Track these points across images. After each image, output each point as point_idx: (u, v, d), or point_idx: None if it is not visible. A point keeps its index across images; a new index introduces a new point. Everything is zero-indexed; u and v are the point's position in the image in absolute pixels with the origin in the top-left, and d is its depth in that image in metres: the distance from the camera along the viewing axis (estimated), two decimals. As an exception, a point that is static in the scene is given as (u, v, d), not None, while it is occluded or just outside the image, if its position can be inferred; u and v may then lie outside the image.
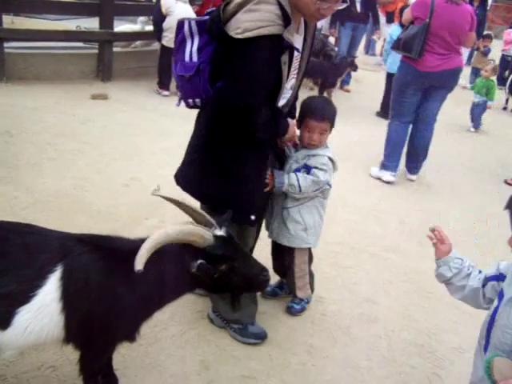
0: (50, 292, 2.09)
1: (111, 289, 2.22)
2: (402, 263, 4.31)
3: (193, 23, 2.70)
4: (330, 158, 3.15)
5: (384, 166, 6.03)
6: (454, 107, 9.15)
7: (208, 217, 2.38)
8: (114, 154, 5.69)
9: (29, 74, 7.96)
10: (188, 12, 7.90)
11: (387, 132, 6.09)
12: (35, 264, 2.11)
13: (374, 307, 3.66)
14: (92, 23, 9.66)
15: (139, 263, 2.00)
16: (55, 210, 4.36)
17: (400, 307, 3.71)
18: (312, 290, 3.49)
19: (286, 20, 2.49)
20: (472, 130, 8.77)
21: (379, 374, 3.05)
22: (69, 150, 5.62)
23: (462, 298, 2.35)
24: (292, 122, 2.99)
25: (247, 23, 2.44)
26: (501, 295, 2.05)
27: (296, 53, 2.70)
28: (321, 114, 3.11)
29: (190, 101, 2.88)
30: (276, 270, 3.58)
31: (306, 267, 3.37)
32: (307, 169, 3.12)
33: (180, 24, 2.73)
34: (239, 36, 2.44)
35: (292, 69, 2.73)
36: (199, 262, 2.20)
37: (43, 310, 2.09)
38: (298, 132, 3.12)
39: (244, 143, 2.75)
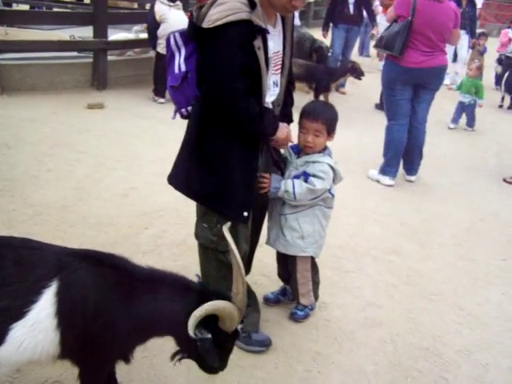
0: (44, 308, 2.06)
1: (108, 307, 2.18)
2: (404, 265, 4.29)
3: (177, 36, 2.82)
4: (331, 166, 3.13)
5: (384, 172, 6.01)
6: (449, 106, 9.14)
7: (246, 299, 2.35)
8: (112, 164, 5.68)
9: (24, 85, 7.95)
10: (181, 18, 7.88)
11: (386, 136, 6.04)
12: (29, 279, 2.07)
13: (378, 311, 3.65)
14: (86, 32, 9.65)
15: (191, 329, 2.10)
16: (54, 222, 4.34)
17: (404, 310, 3.69)
18: (316, 297, 3.47)
19: (253, 6, 2.56)
20: (451, 126, 8.73)
21: (386, 379, 3.03)
22: (66, 161, 5.60)
23: None
24: (284, 125, 2.93)
25: (216, 15, 2.54)
26: None
27: (275, 48, 2.78)
28: (314, 114, 3.11)
29: (184, 110, 2.90)
30: (280, 275, 3.58)
31: (309, 274, 3.35)
32: (306, 176, 3.10)
33: (167, 40, 2.84)
34: (210, 25, 2.54)
35: (272, 64, 2.77)
36: (208, 336, 2.23)
37: (38, 326, 2.05)
38: (294, 138, 3.07)
39: (233, 139, 2.77)
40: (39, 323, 2.05)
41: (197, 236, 3.03)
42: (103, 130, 6.74)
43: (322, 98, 8.59)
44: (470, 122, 8.76)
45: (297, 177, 3.12)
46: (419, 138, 6.01)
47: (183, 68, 2.77)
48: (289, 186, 3.06)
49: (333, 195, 3.23)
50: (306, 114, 3.14)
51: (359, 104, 9.62)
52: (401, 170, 6.18)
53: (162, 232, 4.32)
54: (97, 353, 2.24)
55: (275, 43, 2.81)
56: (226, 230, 2.37)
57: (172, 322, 2.30)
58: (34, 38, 8.85)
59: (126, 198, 4.93)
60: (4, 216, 4.33)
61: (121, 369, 2.81)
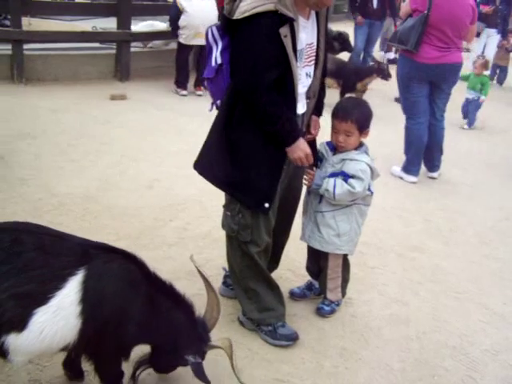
0: (69, 294, 2.07)
1: (132, 303, 2.25)
2: (429, 263, 4.27)
3: (214, 30, 2.89)
4: (368, 165, 3.10)
5: (406, 170, 5.96)
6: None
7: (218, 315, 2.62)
8: (135, 155, 5.69)
9: (47, 76, 8.00)
10: (205, 8, 7.80)
11: (405, 135, 5.97)
12: (54, 265, 2.09)
13: (404, 308, 3.63)
14: (107, 23, 9.68)
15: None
16: (79, 213, 4.36)
17: (429, 308, 3.67)
18: (343, 294, 3.46)
19: None
20: (466, 127, 8.50)
21: (412, 376, 3.02)
22: (90, 152, 5.63)
23: None
24: (303, 146, 2.84)
25: (245, 7, 2.60)
26: None
27: (308, 39, 2.80)
28: (343, 114, 3.08)
29: (219, 102, 2.95)
30: (309, 269, 3.58)
31: (340, 270, 3.34)
32: (345, 176, 3.08)
33: (206, 33, 2.89)
34: (238, 17, 2.60)
35: (305, 55, 2.80)
36: (199, 361, 2.47)
37: (60, 312, 2.06)
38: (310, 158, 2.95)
39: (260, 129, 2.78)
40: (62, 310, 2.06)
41: (222, 224, 3.09)
42: (126, 122, 6.76)
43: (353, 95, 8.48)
44: (471, 120, 8.50)
45: (334, 175, 3.10)
46: (437, 135, 5.92)
47: (219, 60, 2.81)
48: (330, 185, 3.05)
49: (372, 192, 3.22)
50: (335, 113, 3.12)
51: (379, 99, 9.52)
52: (423, 166, 6.12)
53: (187, 224, 4.33)
54: (113, 344, 2.29)
55: (308, 35, 2.83)
56: (192, 259, 2.59)
57: (177, 343, 2.45)
58: (56, 29, 8.86)
59: (150, 189, 4.94)
60: (29, 205, 4.36)
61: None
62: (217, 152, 2.90)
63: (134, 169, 5.37)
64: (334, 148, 3.20)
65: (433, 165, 6.08)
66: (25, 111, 6.60)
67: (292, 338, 3.14)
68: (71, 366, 2.63)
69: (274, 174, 2.89)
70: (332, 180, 3.06)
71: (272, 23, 2.58)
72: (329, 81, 7.85)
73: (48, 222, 3.89)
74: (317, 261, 3.44)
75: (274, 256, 3.35)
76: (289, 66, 2.67)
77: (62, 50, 8.45)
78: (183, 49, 8.22)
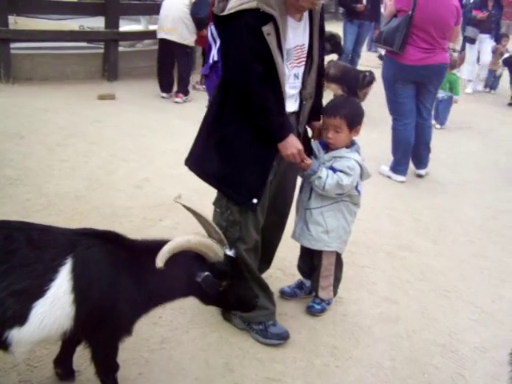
0: (62, 284, 2.15)
1: (119, 281, 2.30)
2: (418, 262, 4.29)
3: (213, 28, 2.90)
4: (358, 163, 3.13)
5: (394, 170, 5.99)
6: (461, 105, 9.11)
7: (220, 233, 2.55)
8: (125, 155, 5.68)
9: (35, 75, 7.96)
10: (173, 2, 7.71)
11: (392, 135, 5.99)
12: (45, 258, 2.15)
13: (394, 307, 3.65)
14: (94, 22, 9.65)
15: (160, 261, 2.19)
16: (69, 212, 4.34)
17: (419, 306, 3.69)
18: (335, 293, 3.47)
19: None
20: (438, 127, 8.31)
21: (403, 374, 3.04)
22: (79, 152, 5.60)
23: None
24: (294, 142, 2.85)
25: (232, 3, 2.65)
26: None
27: (298, 40, 2.82)
28: (332, 110, 3.11)
29: None
30: (300, 268, 3.60)
31: (332, 268, 3.36)
32: (333, 171, 3.11)
33: (207, 32, 2.91)
34: (225, 13, 2.64)
35: (294, 56, 2.82)
36: (206, 273, 2.38)
37: (56, 302, 2.14)
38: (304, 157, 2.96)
39: (250, 125, 2.80)
40: (58, 300, 2.14)
41: (212, 220, 3.06)
42: (115, 122, 6.74)
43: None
44: (442, 119, 8.40)
45: None
46: (425, 133, 5.94)
47: (215, 58, 2.85)
48: (323, 173, 3.06)
49: (359, 192, 3.23)
50: (325, 110, 3.15)
51: (367, 99, 9.58)
52: (412, 165, 6.15)
53: (177, 224, 4.32)
54: (109, 326, 2.33)
55: (298, 36, 2.84)
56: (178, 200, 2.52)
57: (180, 286, 2.46)
58: (43, 28, 8.82)
59: (139, 189, 4.93)
60: (19, 206, 4.34)
61: (139, 361, 2.85)
62: (206, 147, 2.92)
63: (123, 168, 5.35)
64: (326, 147, 3.21)
65: (420, 162, 6.12)
66: (13, 111, 6.55)
67: (283, 337, 3.14)
68: (63, 364, 2.64)
69: (263, 171, 2.90)
70: (325, 170, 3.08)
71: (255, 20, 2.61)
72: (332, 86, 7.75)
73: (37, 222, 3.85)
74: (309, 260, 3.46)
75: (267, 256, 3.36)
76: (274, 63, 2.68)
77: (49, 49, 8.42)
78: (160, 45, 8.10)
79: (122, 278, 2.31)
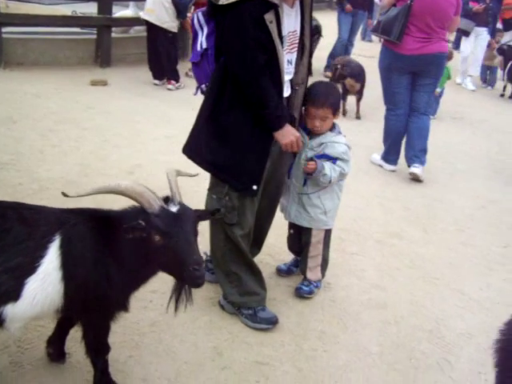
0: (51, 261, 2.19)
1: (104, 256, 2.31)
2: (408, 249, 4.33)
3: (200, 15, 2.95)
4: (347, 145, 3.22)
5: (385, 159, 6.01)
6: (455, 96, 9.17)
7: (176, 193, 2.38)
8: (117, 141, 5.68)
9: (27, 60, 7.94)
10: None
11: (384, 125, 6.00)
12: (36, 235, 2.19)
13: (382, 293, 3.69)
14: (87, 8, 9.60)
15: (73, 192, 2.22)
16: (60, 197, 4.28)
17: (407, 293, 3.73)
18: (323, 275, 3.52)
19: None
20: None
21: (390, 359, 3.08)
22: (71, 137, 5.61)
23: None
24: (292, 131, 2.90)
25: None
26: None
27: (291, 27, 2.84)
28: (319, 100, 3.14)
29: (204, 86, 3.03)
30: (290, 248, 3.67)
31: (321, 247, 3.42)
32: (331, 159, 3.17)
33: (192, 19, 2.95)
34: (224, 2, 2.63)
35: (287, 42, 2.84)
36: (136, 222, 2.18)
37: (47, 278, 2.18)
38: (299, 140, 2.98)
39: (249, 112, 2.82)
40: (48, 275, 2.18)
41: (206, 207, 3.12)
42: (107, 107, 6.73)
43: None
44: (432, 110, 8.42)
45: (317, 157, 3.17)
46: (421, 128, 5.78)
47: (204, 45, 2.87)
48: (327, 169, 3.13)
49: None
50: (311, 100, 3.17)
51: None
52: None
53: (168, 210, 4.33)
54: (98, 303, 2.35)
55: (291, 22, 2.86)
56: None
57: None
58: (36, 13, 8.77)
59: (131, 175, 4.94)
60: (10, 190, 4.34)
61: (130, 344, 2.87)
62: (205, 136, 2.93)
63: (115, 154, 5.36)
64: (309, 131, 3.26)
65: (412, 155, 5.86)
66: (4, 96, 6.53)
67: (272, 322, 3.18)
68: (55, 344, 2.68)
69: (262, 157, 2.94)
70: (328, 165, 3.14)
71: (257, 9, 2.62)
72: (349, 81, 7.67)
73: (28, 206, 3.88)
74: (296, 239, 3.53)
75: (258, 241, 3.39)
76: (275, 51, 2.71)
77: (41, 34, 8.38)
78: (146, 29, 8.08)
79: (104, 253, 2.31)
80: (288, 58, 2.91)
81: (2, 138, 5.31)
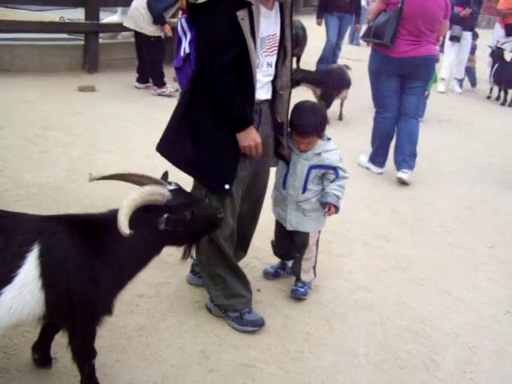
0: (29, 270, 2.16)
1: (87, 262, 2.30)
2: (394, 251, 4.36)
3: (183, 21, 3.01)
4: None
5: (373, 162, 6.05)
6: (441, 98, 9.22)
7: (155, 177, 2.49)
8: (105, 146, 5.69)
9: (14, 66, 7.92)
10: None
11: (373, 127, 6.05)
12: (13, 245, 2.16)
13: (369, 295, 3.71)
14: (75, 14, 9.59)
15: (124, 228, 2.13)
16: (48, 203, 4.35)
17: (394, 294, 3.75)
18: (314, 275, 3.57)
19: None
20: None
21: (376, 359, 3.10)
22: (59, 143, 5.61)
23: None
24: (254, 135, 2.90)
25: None
26: None
27: (270, 30, 2.88)
28: (302, 131, 3.21)
29: None
30: (277, 253, 3.70)
31: (315, 249, 3.50)
32: (327, 168, 3.29)
33: (176, 27, 3.01)
34: (199, 1, 2.67)
35: (266, 45, 2.87)
36: (165, 216, 2.32)
37: (25, 288, 2.15)
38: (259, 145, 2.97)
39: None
40: (26, 285, 2.16)
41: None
42: (95, 113, 6.73)
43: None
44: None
45: (313, 167, 3.28)
46: (410, 132, 5.80)
47: (187, 50, 2.90)
48: (340, 194, 3.32)
49: None
50: (294, 127, 3.23)
51: (350, 92, 9.64)
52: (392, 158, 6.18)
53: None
54: (84, 309, 2.34)
55: (270, 25, 2.90)
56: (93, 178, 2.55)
57: (148, 245, 2.45)
58: (23, 19, 8.75)
59: (118, 180, 4.93)
60: (-3, 196, 4.34)
61: (117, 348, 2.88)
62: (179, 135, 2.96)
63: (103, 159, 5.36)
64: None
65: (402, 160, 5.84)
66: (-8, 102, 6.53)
67: (258, 324, 3.19)
68: (41, 349, 2.67)
69: (234, 157, 2.94)
70: (334, 193, 3.29)
71: (230, 6, 2.65)
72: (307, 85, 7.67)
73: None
74: (285, 244, 3.57)
75: (243, 244, 3.41)
76: (246, 50, 2.72)
77: (29, 40, 8.36)
78: (134, 34, 8.11)
79: (87, 259, 2.30)
80: (268, 61, 2.94)
81: (-12, 144, 5.30)
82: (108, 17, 9.53)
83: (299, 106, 3.28)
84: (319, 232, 3.53)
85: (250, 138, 2.87)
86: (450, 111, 9.29)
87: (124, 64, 8.99)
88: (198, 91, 2.84)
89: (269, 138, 3.15)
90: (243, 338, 3.12)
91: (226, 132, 2.87)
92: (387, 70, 5.62)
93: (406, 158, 5.83)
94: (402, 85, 5.73)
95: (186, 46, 2.91)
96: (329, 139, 3.32)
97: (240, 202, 3.09)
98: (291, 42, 3.04)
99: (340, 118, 8.05)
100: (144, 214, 2.31)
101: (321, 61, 10.03)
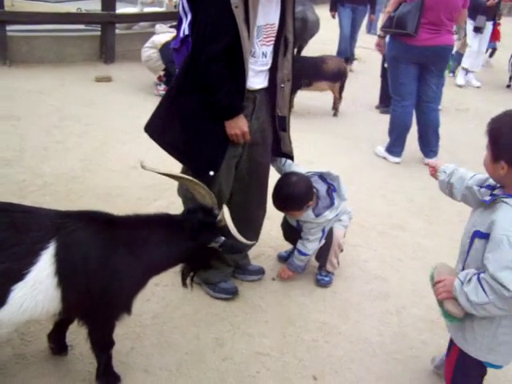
0: (44, 268, 2.12)
1: (109, 262, 2.28)
2: (411, 241, 4.33)
3: (184, 2, 2.97)
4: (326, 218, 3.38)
5: (389, 151, 6.02)
6: (460, 87, 9.11)
7: (209, 190, 2.50)
8: (120, 136, 5.71)
9: (32, 58, 7.95)
10: None
11: (390, 116, 6.05)
12: (26, 241, 2.12)
13: (384, 284, 3.69)
14: (91, 5, 9.62)
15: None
16: (63, 193, 4.38)
17: (409, 284, 3.73)
18: (338, 263, 3.61)
19: None
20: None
21: (391, 348, 3.09)
22: (75, 133, 5.64)
23: (462, 199, 2.60)
24: (242, 122, 2.90)
25: None
26: None
27: (269, 19, 2.85)
28: (280, 207, 3.37)
29: None
30: (288, 239, 3.75)
31: (342, 243, 3.57)
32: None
33: (178, 4, 2.99)
34: None
35: (263, 34, 2.86)
36: (222, 239, 2.43)
37: (38, 286, 2.12)
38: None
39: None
40: (40, 283, 2.12)
41: (178, 192, 3.22)
42: (111, 104, 6.76)
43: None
44: None
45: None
46: (431, 117, 5.91)
47: (186, 32, 2.89)
48: (302, 259, 3.50)
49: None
50: (274, 203, 3.37)
51: (367, 80, 9.59)
52: (409, 147, 6.14)
53: (171, 204, 4.36)
54: (104, 307, 2.34)
55: (269, 14, 2.87)
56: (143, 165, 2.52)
57: (176, 255, 2.49)
58: (40, 10, 8.80)
59: (134, 170, 4.96)
60: (14, 186, 4.37)
61: (131, 335, 2.89)
62: (168, 119, 2.96)
63: (118, 150, 5.39)
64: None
65: (429, 150, 6.02)
66: (9, 93, 6.57)
67: (231, 292, 3.31)
68: (56, 338, 2.69)
69: (221, 143, 2.94)
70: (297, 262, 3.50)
71: None
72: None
73: (32, 202, 3.91)
74: (295, 238, 3.57)
75: (254, 232, 3.39)
76: (238, 38, 2.70)
77: (46, 31, 8.40)
78: None
79: (112, 258, 2.29)
80: (263, 51, 2.92)
81: (6, 134, 5.34)
82: (124, 8, 9.55)
83: (282, 179, 3.35)
84: (345, 230, 3.59)
85: (237, 126, 2.87)
86: (468, 100, 9.19)
87: (140, 54, 8.97)
88: (189, 77, 2.83)
89: (265, 123, 3.14)
90: (258, 326, 3.13)
91: (213, 119, 2.87)
92: (406, 58, 5.60)
93: (433, 148, 6.01)
94: (421, 74, 5.73)
95: (185, 28, 2.90)
96: (321, 213, 3.35)
97: (229, 187, 3.12)
98: (293, 33, 3.02)
99: (335, 113, 7.67)
100: (202, 228, 2.42)
101: (338, 55, 9.80)
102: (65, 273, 2.17)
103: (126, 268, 2.33)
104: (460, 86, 10.20)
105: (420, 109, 5.90)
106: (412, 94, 5.79)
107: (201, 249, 2.47)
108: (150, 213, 2.55)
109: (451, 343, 2.48)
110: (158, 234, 2.42)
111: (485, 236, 2.17)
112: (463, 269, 2.32)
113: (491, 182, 2.39)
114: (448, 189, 2.65)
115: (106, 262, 2.27)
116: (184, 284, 2.67)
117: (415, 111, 5.96)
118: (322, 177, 3.47)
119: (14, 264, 2.08)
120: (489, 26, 10.01)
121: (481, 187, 2.44)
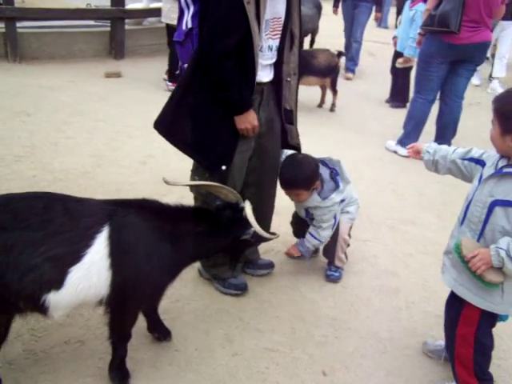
0: (98, 251, 2.21)
1: (155, 249, 2.37)
2: (421, 235, 4.31)
3: None
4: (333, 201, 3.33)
5: (401, 143, 5.99)
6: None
7: (234, 191, 2.62)
8: (130, 132, 5.72)
9: (42, 54, 8.00)
10: None
11: (410, 108, 6.07)
12: (80, 226, 2.22)
13: (394, 279, 3.68)
14: (101, 1, 9.62)
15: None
16: (74, 188, 4.39)
17: (419, 279, 3.71)
18: (346, 258, 3.62)
19: None
20: None
21: (400, 344, 3.07)
22: (85, 129, 5.65)
23: (446, 172, 2.78)
24: (252, 117, 2.91)
25: None
26: (480, 178, 2.47)
27: (276, 13, 2.84)
28: (286, 186, 3.31)
29: (185, 66, 2.98)
30: (296, 233, 3.76)
31: (348, 238, 3.55)
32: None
33: None
34: None
35: (269, 28, 2.84)
36: (252, 230, 2.58)
37: (92, 268, 2.21)
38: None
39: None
40: (94, 265, 2.21)
41: (190, 188, 3.21)
42: (121, 99, 6.77)
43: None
44: None
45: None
46: (455, 112, 5.96)
47: (190, 24, 2.88)
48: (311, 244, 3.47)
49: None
50: (280, 182, 3.33)
51: (377, 76, 9.55)
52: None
53: (181, 198, 4.26)
54: (140, 293, 2.41)
55: (276, 8, 2.86)
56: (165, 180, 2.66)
57: (215, 246, 2.66)
58: (50, 6, 8.81)
59: (144, 165, 4.97)
60: (25, 182, 4.39)
61: (141, 331, 2.90)
62: (177, 113, 2.94)
63: (128, 145, 5.39)
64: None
65: (440, 143, 6.01)
66: (20, 89, 6.60)
67: (240, 288, 3.32)
68: (155, 327, 2.87)
69: (232, 138, 2.95)
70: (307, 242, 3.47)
71: None
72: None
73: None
74: (303, 232, 3.55)
75: (264, 224, 3.38)
76: (250, 33, 2.69)
77: (56, 27, 8.43)
78: (170, 31, 7.22)
79: (157, 245, 2.38)
80: (269, 44, 2.91)
81: (16, 130, 5.37)
82: (133, 3, 9.55)
83: (288, 158, 3.32)
84: (351, 224, 3.56)
85: (248, 120, 2.87)
86: (480, 94, 9.12)
87: (150, 50, 9.02)
88: (198, 72, 2.82)
89: (272, 113, 3.14)
90: (267, 322, 3.12)
91: (224, 114, 2.86)
92: (444, 56, 5.58)
93: (446, 143, 5.87)
94: (453, 68, 5.72)
95: (188, 20, 2.88)
96: (327, 196, 3.32)
97: (242, 180, 3.12)
98: (299, 27, 3.00)
99: (332, 109, 7.49)
100: (233, 221, 2.59)
101: (346, 49, 9.54)
102: (117, 255, 2.26)
103: (168, 257, 2.43)
104: (476, 86, 10.04)
105: (445, 101, 5.95)
106: (435, 90, 5.84)
107: (234, 242, 2.64)
108: (193, 205, 2.74)
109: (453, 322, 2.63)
110: (202, 227, 2.56)
111: (509, 204, 2.30)
112: (478, 238, 2.44)
113: (472, 155, 2.63)
114: (434, 166, 2.81)
115: (153, 248, 2.37)
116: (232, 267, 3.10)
117: (439, 103, 6.01)
118: (324, 162, 3.45)
119: (71, 247, 2.18)
120: (508, 26, 9.59)
121: (463, 159, 2.66)
